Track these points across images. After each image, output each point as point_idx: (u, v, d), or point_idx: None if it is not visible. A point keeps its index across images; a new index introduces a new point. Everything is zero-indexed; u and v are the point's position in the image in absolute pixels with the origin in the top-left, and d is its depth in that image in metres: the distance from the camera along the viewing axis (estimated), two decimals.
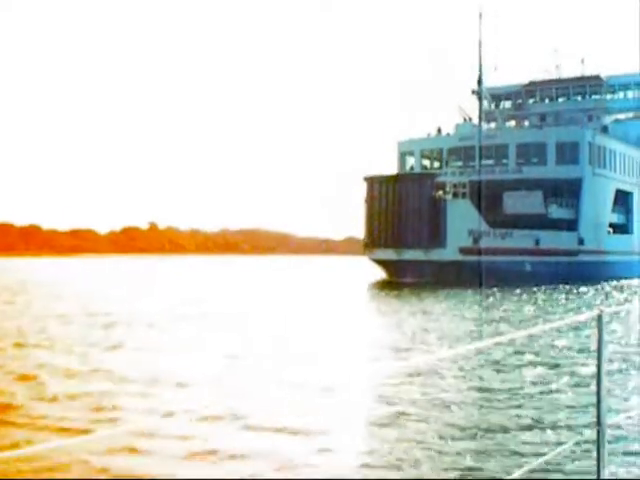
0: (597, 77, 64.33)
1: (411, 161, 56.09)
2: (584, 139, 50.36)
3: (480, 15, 52.35)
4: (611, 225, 55.90)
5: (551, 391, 12.06)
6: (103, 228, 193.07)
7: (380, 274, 48.27)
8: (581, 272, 48.28)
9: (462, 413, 10.71)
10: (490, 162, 52.06)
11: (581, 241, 49.50)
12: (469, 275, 43.01)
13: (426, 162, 55.98)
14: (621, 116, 61.94)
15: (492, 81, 56.82)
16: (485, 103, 69.23)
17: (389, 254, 45.47)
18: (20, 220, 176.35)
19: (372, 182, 46.06)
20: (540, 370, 13.88)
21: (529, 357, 15.23)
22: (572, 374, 13.31)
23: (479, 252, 44.41)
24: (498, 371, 14.13)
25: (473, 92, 51.65)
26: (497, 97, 68.74)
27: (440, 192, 44.15)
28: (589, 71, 65.54)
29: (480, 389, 12.58)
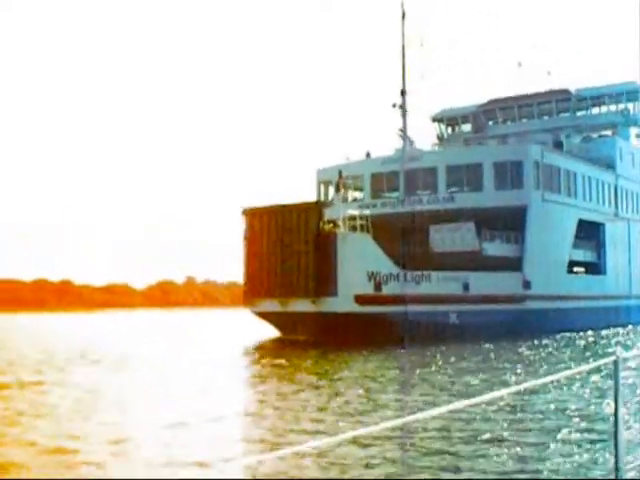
0: (565, 91, 54.87)
1: (332, 191, 46.74)
2: (529, 157, 40.67)
3: (403, 16, 43.45)
4: (578, 264, 45.75)
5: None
6: (139, 283, 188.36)
7: (272, 330, 38.57)
8: (528, 323, 38.23)
9: None
10: (420, 189, 42.64)
11: (527, 284, 39.43)
12: (370, 331, 33.31)
13: (348, 192, 46.60)
14: (594, 134, 52.19)
15: (448, 102, 47.77)
16: (441, 128, 60.31)
17: (273, 305, 35.85)
18: (54, 275, 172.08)
19: (252, 215, 36.69)
20: None
21: None
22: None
23: (384, 301, 34.62)
24: None
25: (394, 106, 42.39)
26: (453, 120, 59.67)
27: (330, 225, 34.56)
28: (557, 85, 56.15)
29: None
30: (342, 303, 33.91)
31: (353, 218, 34.99)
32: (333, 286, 33.94)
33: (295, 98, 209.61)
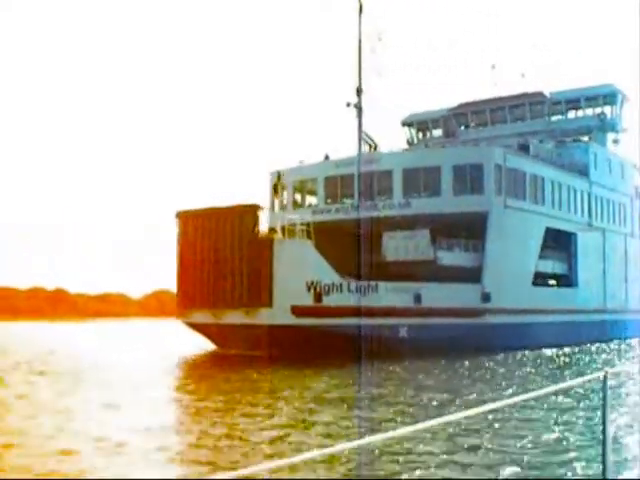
0: (539, 94, 52.18)
1: (286, 195, 43.94)
2: (490, 160, 37.84)
3: (360, 9, 40.68)
4: (546, 276, 42.87)
5: None
6: (135, 292, 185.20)
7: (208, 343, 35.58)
8: (487, 338, 35.34)
9: None
10: (376, 194, 39.80)
11: (486, 296, 36.53)
12: (310, 345, 30.41)
13: (300, 196, 43.84)
14: (569, 140, 49.42)
15: (418, 104, 44.85)
16: (411, 132, 57.66)
17: (205, 317, 32.91)
18: (49, 283, 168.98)
19: (185, 219, 33.78)
20: None
21: None
22: None
23: (324, 313, 31.71)
24: None
25: (348, 105, 39.53)
26: (423, 124, 56.98)
27: (266, 230, 31.65)
28: (532, 87, 53.46)
29: None
30: (277, 315, 31.01)
31: (293, 224, 32.13)
32: (268, 296, 31.03)
33: (254, 98, 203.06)
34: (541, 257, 42.00)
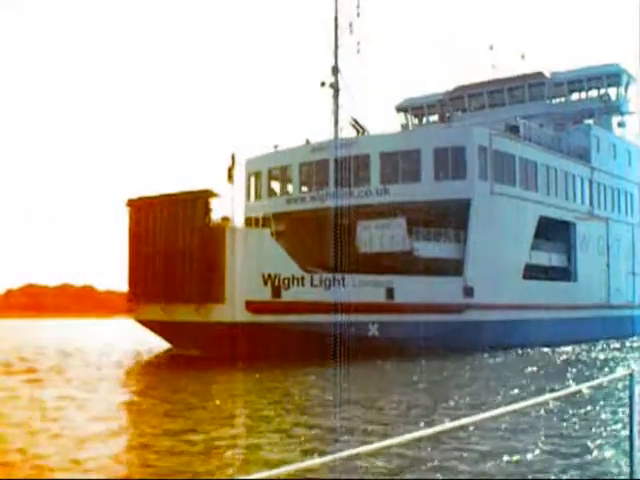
0: (539, 74, 48.81)
1: (264, 184, 41.16)
2: (473, 142, 34.71)
3: None
4: (540, 269, 39.59)
5: None
6: None
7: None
8: (469, 336, 32.34)
9: None
10: (352, 180, 36.80)
11: (469, 291, 33.45)
12: (267, 345, 27.66)
13: (277, 185, 41.03)
14: (570, 123, 46.01)
15: (411, 87, 41.60)
16: (407, 118, 54.58)
17: (156, 312, 30.22)
18: (77, 281, 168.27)
19: (137, 207, 31.07)
20: None
21: None
22: None
23: (283, 309, 28.88)
24: None
25: (323, 85, 36.61)
26: (419, 109, 53.89)
27: (219, 218, 28.80)
28: (532, 70, 50.08)
29: None
30: (229, 311, 28.22)
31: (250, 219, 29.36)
32: (220, 291, 28.24)
33: (236, 82, 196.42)
34: (535, 248, 38.79)
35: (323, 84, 37.12)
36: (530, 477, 9.19)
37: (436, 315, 31.90)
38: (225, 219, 28.87)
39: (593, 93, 48.37)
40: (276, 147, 40.19)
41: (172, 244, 29.22)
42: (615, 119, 48.42)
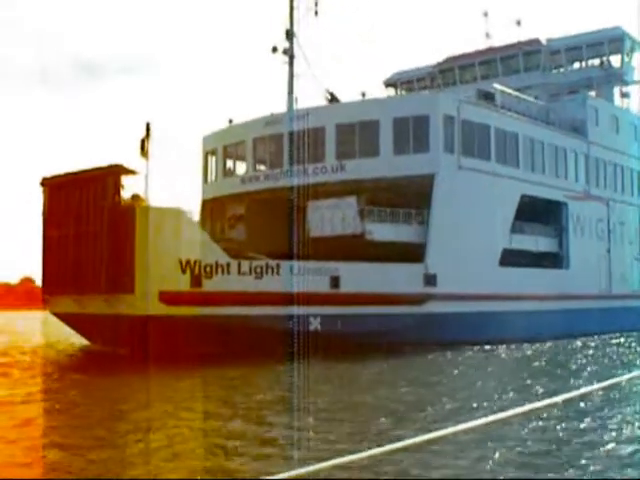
0: (535, 41, 44.41)
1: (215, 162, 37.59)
2: (437, 111, 30.60)
3: None
4: (527, 255, 35.34)
5: None
6: None
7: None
8: (430, 331, 28.41)
9: None
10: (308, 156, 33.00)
11: (431, 279, 29.43)
12: (186, 341, 24.15)
13: (232, 163, 37.39)
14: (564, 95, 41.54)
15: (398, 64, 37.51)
16: (397, 93, 50.51)
17: (69, 304, 26.83)
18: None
19: (51, 187, 27.65)
20: None
21: None
22: None
23: (205, 300, 25.23)
24: None
25: (275, 50, 32.80)
26: (409, 83, 49.78)
27: (129, 197, 25.19)
28: (528, 37, 45.64)
29: None
30: (140, 303, 24.66)
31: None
32: (130, 280, 24.68)
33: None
34: (518, 231, 34.57)
35: (275, 50, 33.35)
36: (530, 477, 8.58)
37: (390, 307, 27.99)
38: (136, 197, 25.28)
39: (595, 62, 43.77)
40: (231, 122, 36.55)
41: (82, 227, 25.77)
42: (619, 90, 43.74)
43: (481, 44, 48.25)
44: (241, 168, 36.39)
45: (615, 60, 43.14)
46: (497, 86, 35.22)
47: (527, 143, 34.63)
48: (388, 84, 50.83)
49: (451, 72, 47.29)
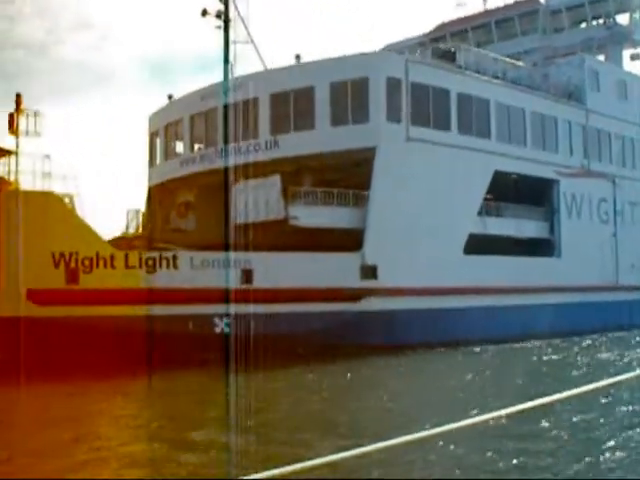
0: (533, 1, 39.26)
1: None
2: (379, 73, 26.07)
3: None
4: (509, 241, 30.47)
5: None
6: None
7: None
8: (369, 332, 24.09)
9: None
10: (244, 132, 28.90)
11: (370, 271, 24.98)
12: (61, 348, 20.50)
13: (176, 143, 33.56)
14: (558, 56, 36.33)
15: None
16: None
17: None
18: None
19: None
20: None
21: None
22: None
23: (83, 300, 21.49)
24: None
25: (205, 14, 28.71)
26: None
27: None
28: None
29: None
30: (7, 303, 21.05)
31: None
32: None
33: None
34: (494, 214, 29.80)
35: (205, 13, 29.26)
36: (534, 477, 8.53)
37: (317, 304, 23.71)
38: (2, 180, 21.66)
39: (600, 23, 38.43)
40: (170, 97, 32.74)
41: None
42: (628, 51, 38.27)
43: (479, 9, 43.38)
44: (181, 149, 32.62)
45: (623, 19, 37.67)
46: (465, 46, 30.40)
47: (502, 111, 29.73)
48: None
49: (443, 40, 42.41)
